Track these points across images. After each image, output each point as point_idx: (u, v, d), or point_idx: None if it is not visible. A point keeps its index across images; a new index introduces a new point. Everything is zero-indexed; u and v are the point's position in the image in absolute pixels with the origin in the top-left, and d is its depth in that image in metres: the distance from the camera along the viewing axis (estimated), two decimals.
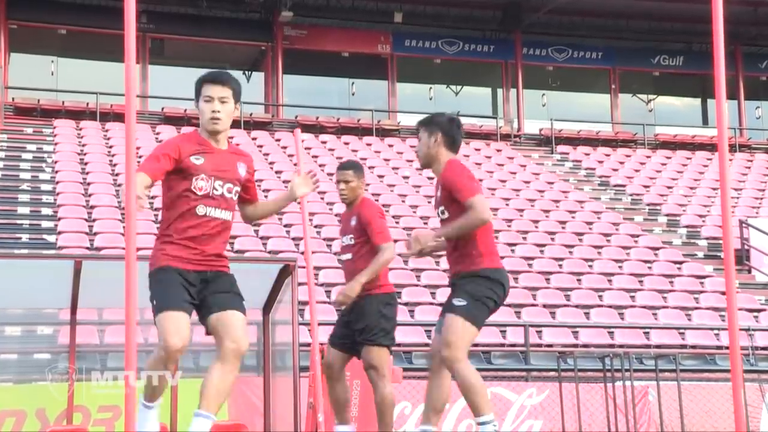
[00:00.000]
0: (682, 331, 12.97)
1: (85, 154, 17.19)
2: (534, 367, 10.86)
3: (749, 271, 16.27)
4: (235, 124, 20.55)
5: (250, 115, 21.17)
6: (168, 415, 6.68)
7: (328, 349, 5.75)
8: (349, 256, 5.79)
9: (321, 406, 5.29)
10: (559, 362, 9.72)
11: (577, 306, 13.43)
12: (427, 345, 11.93)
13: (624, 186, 20.06)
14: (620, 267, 15.16)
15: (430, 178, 18.47)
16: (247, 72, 23.66)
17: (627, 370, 8.99)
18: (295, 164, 17.82)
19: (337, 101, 23.59)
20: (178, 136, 4.51)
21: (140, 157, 16.87)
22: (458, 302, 4.68)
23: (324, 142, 20.37)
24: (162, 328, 4.06)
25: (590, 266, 15.01)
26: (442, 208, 4.84)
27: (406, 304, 12.71)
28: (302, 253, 12.11)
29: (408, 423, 9.08)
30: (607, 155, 22.31)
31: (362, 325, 5.58)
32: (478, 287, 4.70)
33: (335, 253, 13.83)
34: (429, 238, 4.79)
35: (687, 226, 18.02)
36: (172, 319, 4.06)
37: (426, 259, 14.33)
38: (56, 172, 16.09)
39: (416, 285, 13.34)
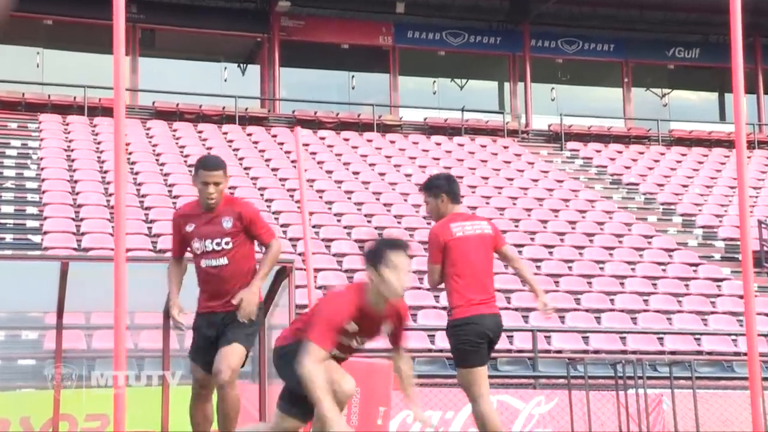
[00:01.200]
0: (697, 336, 12.97)
1: (72, 151, 17.19)
2: (542, 374, 10.87)
3: None
4: (230, 120, 20.57)
5: (246, 110, 21.19)
6: (159, 420, 6.68)
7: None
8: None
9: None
10: (569, 369, 9.73)
11: (587, 310, 13.43)
12: (430, 350, 11.94)
13: (637, 184, 20.06)
14: (633, 269, 15.15)
15: None
16: (242, 65, 23.67)
17: (640, 378, 8.99)
18: (293, 162, 17.86)
19: (336, 95, 23.58)
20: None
21: (130, 153, 16.95)
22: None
23: (323, 139, 20.37)
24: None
25: (601, 268, 15.01)
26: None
27: (408, 307, 12.69)
28: (300, 254, 12.13)
29: None
30: (620, 152, 22.31)
31: None
32: (451, 340, 5.70)
33: (334, 254, 13.85)
34: None
35: (703, 227, 18.01)
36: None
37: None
38: (42, 169, 16.09)
39: (419, 288, 13.33)
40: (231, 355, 5.12)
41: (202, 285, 5.39)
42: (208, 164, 5.41)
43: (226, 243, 5.32)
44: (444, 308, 12.83)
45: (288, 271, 6.75)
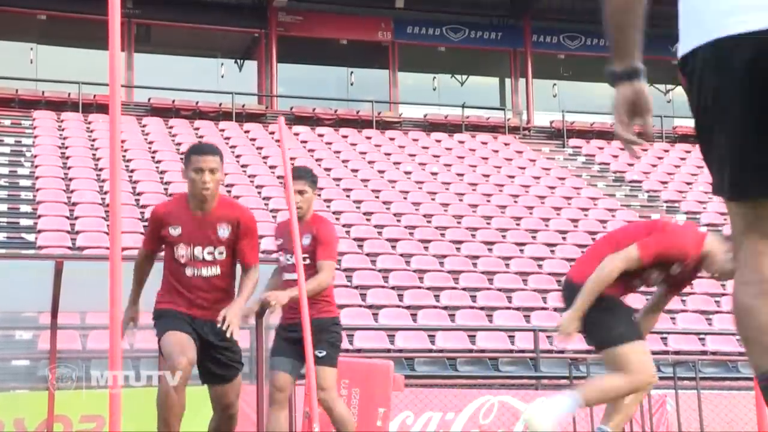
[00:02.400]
0: (702, 336, 12.98)
1: (66, 148, 17.19)
2: (544, 375, 10.87)
3: None
4: (227, 116, 20.57)
5: (243, 106, 21.18)
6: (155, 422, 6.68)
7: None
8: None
9: (317, 416, 5.29)
10: (571, 369, 9.73)
11: None
12: (430, 350, 11.94)
13: (640, 182, 20.07)
14: None
15: (434, 174, 18.48)
16: (239, 61, 23.67)
17: None
18: (292, 159, 17.85)
19: (334, 92, 23.58)
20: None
21: (125, 150, 16.94)
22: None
23: (321, 135, 20.37)
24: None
25: None
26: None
27: (408, 307, 12.72)
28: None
29: None
30: (622, 149, 22.22)
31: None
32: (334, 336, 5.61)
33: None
34: None
35: (707, 225, 18.01)
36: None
37: (429, 260, 14.33)
38: (36, 166, 16.09)
39: (419, 287, 13.34)
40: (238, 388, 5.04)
41: (182, 292, 4.83)
42: (203, 148, 4.92)
43: (220, 253, 4.82)
44: (444, 308, 12.87)
45: None
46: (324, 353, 5.43)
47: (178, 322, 4.70)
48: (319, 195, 15.67)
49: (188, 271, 4.77)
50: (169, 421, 4.56)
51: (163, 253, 4.95)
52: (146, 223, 12.07)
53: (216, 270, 4.79)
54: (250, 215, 5.00)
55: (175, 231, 4.79)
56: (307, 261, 5.45)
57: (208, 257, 4.77)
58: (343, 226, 15.06)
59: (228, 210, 4.85)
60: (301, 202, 5.53)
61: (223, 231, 4.78)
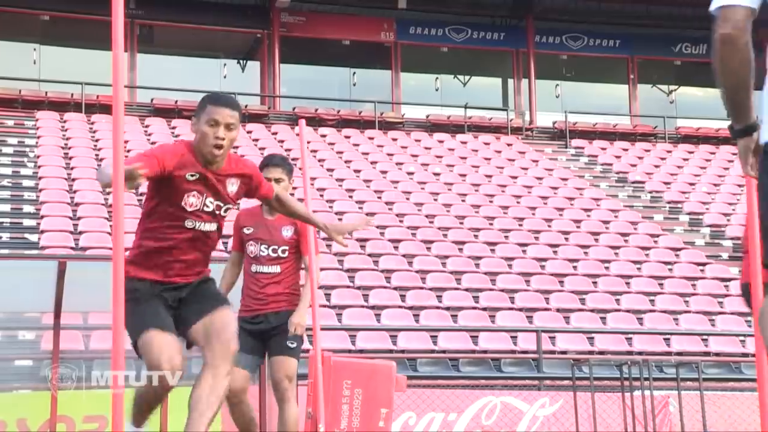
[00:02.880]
0: (705, 337, 12.97)
1: (69, 148, 17.21)
2: (547, 375, 10.86)
3: None
4: None
5: (245, 107, 21.17)
6: (158, 423, 6.69)
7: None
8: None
9: (322, 416, 5.30)
10: (574, 370, 9.73)
11: (592, 310, 13.43)
12: (432, 351, 11.94)
13: (643, 182, 20.05)
14: (639, 269, 15.15)
15: (436, 174, 18.49)
16: (242, 61, 23.67)
17: (646, 379, 8.99)
18: (293, 159, 17.84)
19: (337, 92, 23.58)
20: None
21: (128, 151, 16.92)
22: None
23: (324, 136, 20.38)
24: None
25: (607, 268, 15.00)
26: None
27: (411, 308, 12.72)
28: None
29: None
30: (625, 150, 22.30)
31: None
32: None
33: (335, 254, 13.85)
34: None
35: (710, 226, 18.01)
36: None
37: (431, 260, 14.33)
38: (39, 167, 16.11)
39: (421, 288, 13.34)
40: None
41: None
42: (222, 98, 4.31)
43: (226, 210, 4.36)
44: (447, 308, 12.87)
45: None
46: (295, 345, 5.52)
47: (154, 313, 4.17)
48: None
49: (188, 224, 4.22)
50: (148, 409, 4.25)
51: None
52: None
53: (213, 227, 4.29)
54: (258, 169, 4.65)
55: (192, 177, 4.19)
56: (286, 254, 5.50)
57: (217, 212, 4.27)
58: None
59: (238, 165, 4.37)
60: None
61: (232, 186, 4.31)
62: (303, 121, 6.48)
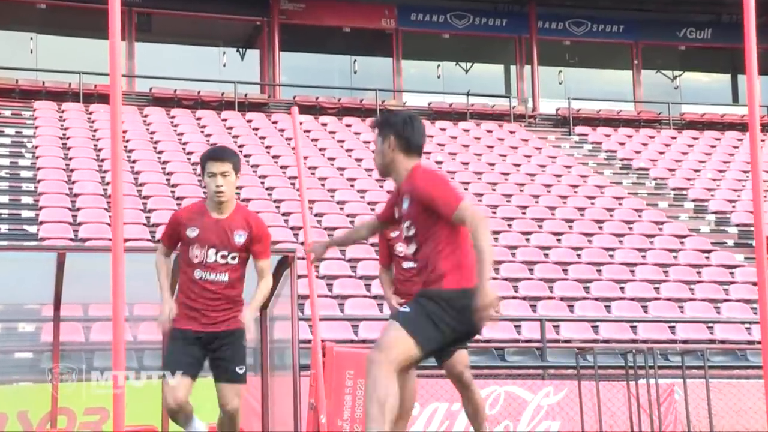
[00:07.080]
0: (710, 324, 12.97)
1: (67, 139, 17.20)
2: (551, 365, 10.87)
3: None
4: (229, 106, 20.56)
5: (245, 96, 21.16)
6: (159, 414, 6.71)
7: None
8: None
9: (324, 407, 5.30)
10: (578, 359, 9.74)
11: (597, 299, 13.43)
12: None
13: (647, 169, 20.03)
14: (643, 256, 15.15)
15: (439, 163, 18.46)
16: (241, 49, 23.63)
17: (651, 367, 9.00)
18: (294, 148, 17.83)
19: (338, 80, 23.55)
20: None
21: (127, 141, 16.94)
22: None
23: (324, 125, 20.36)
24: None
25: (611, 256, 15.00)
26: (409, 222, 4.39)
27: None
28: (302, 243, 12.11)
29: (416, 424, 9.10)
30: (629, 136, 22.27)
31: None
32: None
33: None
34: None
35: (716, 212, 17.99)
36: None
37: None
38: (37, 157, 16.11)
39: None
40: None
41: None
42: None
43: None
44: None
45: (290, 260, 6.75)
46: (244, 369, 5.12)
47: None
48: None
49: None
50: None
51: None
52: (148, 214, 12.13)
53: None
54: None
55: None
56: (236, 260, 5.02)
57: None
58: (347, 216, 15.06)
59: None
60: (224, 186, 4.97)
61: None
62: (295, 109, 6.43)
